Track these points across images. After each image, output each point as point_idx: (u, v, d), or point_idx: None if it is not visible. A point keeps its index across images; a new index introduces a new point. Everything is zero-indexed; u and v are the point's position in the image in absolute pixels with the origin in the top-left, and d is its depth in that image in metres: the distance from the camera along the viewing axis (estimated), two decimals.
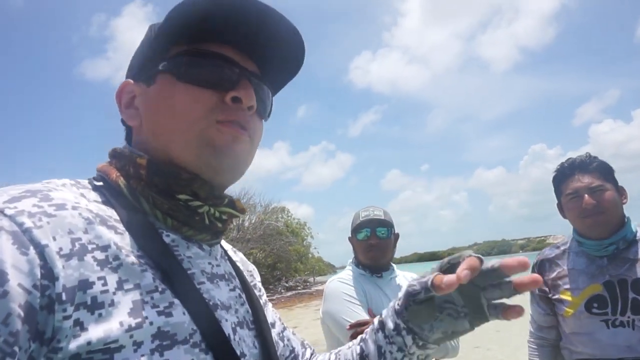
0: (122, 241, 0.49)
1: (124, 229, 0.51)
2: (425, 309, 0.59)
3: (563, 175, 1.58)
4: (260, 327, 0.63)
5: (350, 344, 0.74)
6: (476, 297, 0.55)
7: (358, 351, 0.69)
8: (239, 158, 0.59)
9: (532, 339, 1.72)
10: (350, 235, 1.84)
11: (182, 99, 0.57)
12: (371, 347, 0.66)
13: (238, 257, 0.78)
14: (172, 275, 0.51)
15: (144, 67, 0.61)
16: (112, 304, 0.44)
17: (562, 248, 1.63)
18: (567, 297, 1.52)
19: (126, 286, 0.46)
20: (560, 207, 1.62)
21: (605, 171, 1.51)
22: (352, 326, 1.51)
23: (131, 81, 0.63)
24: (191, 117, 0.56)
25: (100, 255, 0.45)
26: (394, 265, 1.80)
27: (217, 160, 0.57)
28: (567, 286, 1.54)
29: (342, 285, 1.68)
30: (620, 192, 1.52)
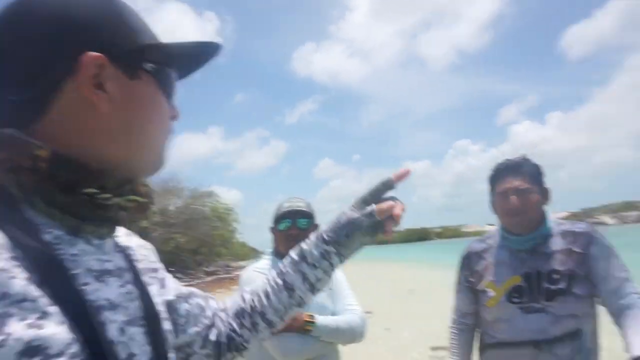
0: None
1: None
2: (364, 232, 0.75)
3: (497, 175, 1.71)
4: (151, 322, 0.60)
5: (265, 280, 0.80)
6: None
7: (280, 283, 0.77)
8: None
9: (454, 325, 1.84)
10: (272, 226, 1.84)
11: (164, 110, 0.61)
12: (294, 276, 0.76)
13: (133, 241, 0.70)
14: (49, 278, 0.45)
15: (125, 54, 0.56)
16: None
17: (488, 242, 1.77)
18: (490, 288, 1.65)
19: None
20: (492, 203, 1.75)
21: (534, 174, 1.66)
22: None
23: (105, 57, 0.53)
24: (165, 129, 0.62)
25: None
26: None
27: (162, 168, 0.64)
28: (491, 278, 1.66)
29: (257, 275, 1.70)
30: (544, 194, 1.67)
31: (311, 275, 0.76)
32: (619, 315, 1.46)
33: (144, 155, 0.59)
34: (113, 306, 0.53)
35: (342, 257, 0.76)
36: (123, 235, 0.69)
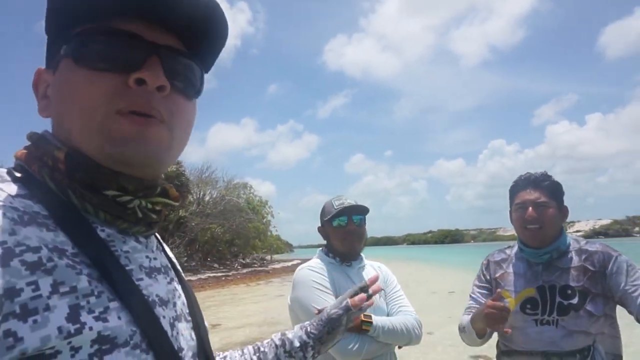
0: (54, 240, 0.46)
1: (55, 225, 0.47)
2: (343, 328, 0.89)
3: (518, 187, 1.76)
4: (195, 318, 0.63)
5: (244, 351, 0.82)
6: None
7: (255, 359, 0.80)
8: (150, 148, 0.52)
9: (468, 306, 1.87)
10: (320, 225, 1.85)
11: (79, 86, 0.51)
12: (270, 358, 0.80)
13: (167, 247, 0.74)
14: (110, 274, 0.48)
15: (50, 51, 0.57)
16: (47, 308, 0.41)
17: (507, 252, 1.83)
18: (507, 297, 1.71)
19: (62, 289, 0.43)
20: (510, 213, 1.81)
21: (553, 190, 1.69)
22: (320, 312, 1.56)
23: (42, 68, 0.58)
24: (88, 106, 0.50)
25: (30, 257, 0.42)
26: (362, 254, 1.84)
27: (122, 154, 0.51)
28: (508, 287, 1.73)
29: (311, 274, 1.69)
30: (563, 210, 1.70)
31: None
32: None
33: (80, 143, 0.52)
34: (163, 302, 0.56)
35: (316, 353, 0.84)
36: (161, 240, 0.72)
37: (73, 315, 0.43)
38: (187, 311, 0.62)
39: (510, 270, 1.76)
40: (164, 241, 0.71)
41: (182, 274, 0.69)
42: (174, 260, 0.71)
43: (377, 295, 1.72)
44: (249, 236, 30.55)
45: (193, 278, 19.69)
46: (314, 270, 1.72)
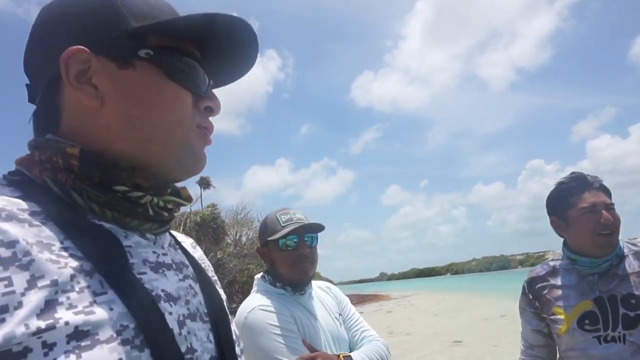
0: (37, 235, 0.44)
1: (41, 221, 0.46)
2: None
3: (575, 189, 1.54)
4: (217, 320, 0.59)
5: None
6: None
7: None
8: (204, 164, 0.60)
9: (523, 357, 1.70)
10: (261, 245, 1.54)
11: (172, 98, 0.55)
12: None
13: (197, 253, 0.71)
14: (104, 265, 0.46)
15: (111, 43, 0.53)
16: (19, 305, 0.39)
17: (552, 265, 1.63)
18: (559, 314, 1.53)
19: (40, 283, 0.41)
20: (563, 221, 1.57)
21: (610, 193, 1.55)
22: None
23: (87, 50, 0.52)
24: (179, 119, 0.55)
25: (4, 252, 0.41)
26: None
27: (193, 165, 0.58)
28: (559, 303, 1.55)
29: (266, 315, 1.34)
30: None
31: None
32: None
33: (157, 149, 0.55)
34: (171, 298, 0.53)
35: None
36: (186, 243, 0.70)
37: (48, 309, 0.41)
38: (205, 311, 0.58)
39: (559, 283, 1.57)
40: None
41: (208, 275, 0.67)
42: (200, 261, 0.69)
43: (336, 322, 1.48)
44: None
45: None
46: (266, 309, 1.37)
